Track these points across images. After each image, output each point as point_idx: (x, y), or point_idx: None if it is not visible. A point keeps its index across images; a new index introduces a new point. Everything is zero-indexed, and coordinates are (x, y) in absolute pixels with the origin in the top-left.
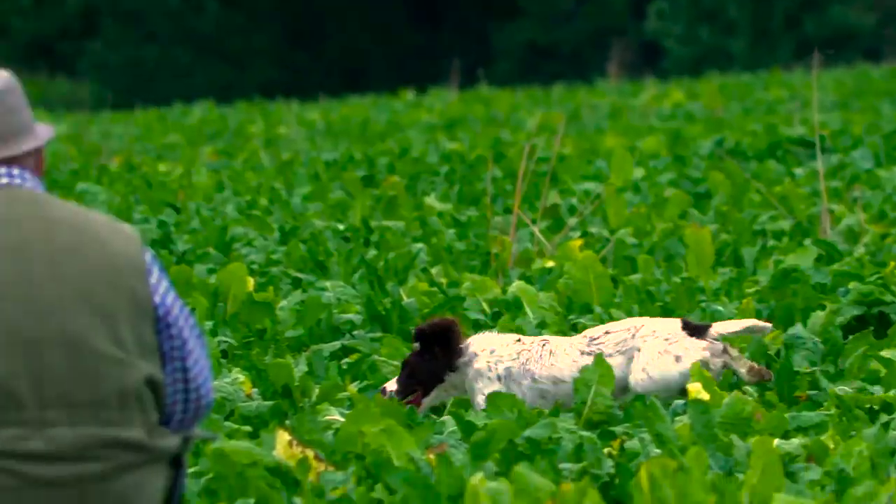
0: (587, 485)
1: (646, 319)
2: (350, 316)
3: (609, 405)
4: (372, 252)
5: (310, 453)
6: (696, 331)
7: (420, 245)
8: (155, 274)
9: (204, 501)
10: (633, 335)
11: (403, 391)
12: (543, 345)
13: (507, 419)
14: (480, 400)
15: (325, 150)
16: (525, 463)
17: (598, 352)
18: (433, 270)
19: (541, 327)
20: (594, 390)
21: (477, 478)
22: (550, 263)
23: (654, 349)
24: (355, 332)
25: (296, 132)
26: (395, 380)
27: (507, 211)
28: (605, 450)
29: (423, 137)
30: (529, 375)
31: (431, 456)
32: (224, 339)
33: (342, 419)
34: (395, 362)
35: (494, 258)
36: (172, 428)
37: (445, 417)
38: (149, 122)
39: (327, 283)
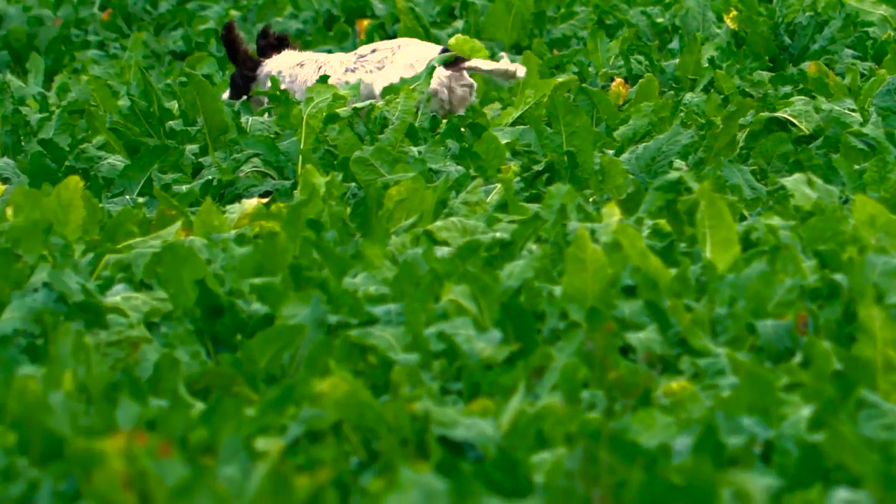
0: None
1: (412, 41)
2: None
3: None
4: None
5: None
6: (450, 61)
7: None
8: None
9: None
10: (394, 53)
11: None
12: (319, 66)
13: None
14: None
15: None
16: None
17: (360, 68)
18: None
19: None
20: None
21: None
22: None
23: (401, 67)
24: None
25: None
26: None
27: None
28: None
29: None
30: (302, 93)
31: None
32: None
33: None
34: None
35: None
36: None
37: None
38: None
39: None
